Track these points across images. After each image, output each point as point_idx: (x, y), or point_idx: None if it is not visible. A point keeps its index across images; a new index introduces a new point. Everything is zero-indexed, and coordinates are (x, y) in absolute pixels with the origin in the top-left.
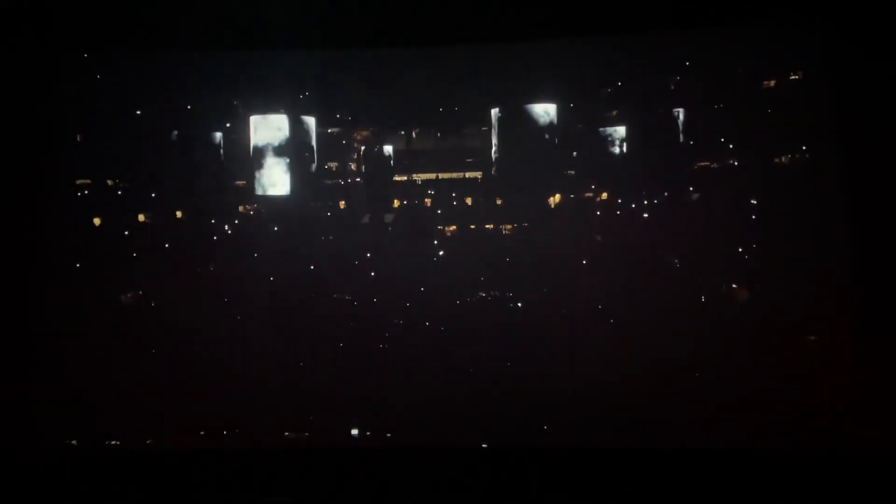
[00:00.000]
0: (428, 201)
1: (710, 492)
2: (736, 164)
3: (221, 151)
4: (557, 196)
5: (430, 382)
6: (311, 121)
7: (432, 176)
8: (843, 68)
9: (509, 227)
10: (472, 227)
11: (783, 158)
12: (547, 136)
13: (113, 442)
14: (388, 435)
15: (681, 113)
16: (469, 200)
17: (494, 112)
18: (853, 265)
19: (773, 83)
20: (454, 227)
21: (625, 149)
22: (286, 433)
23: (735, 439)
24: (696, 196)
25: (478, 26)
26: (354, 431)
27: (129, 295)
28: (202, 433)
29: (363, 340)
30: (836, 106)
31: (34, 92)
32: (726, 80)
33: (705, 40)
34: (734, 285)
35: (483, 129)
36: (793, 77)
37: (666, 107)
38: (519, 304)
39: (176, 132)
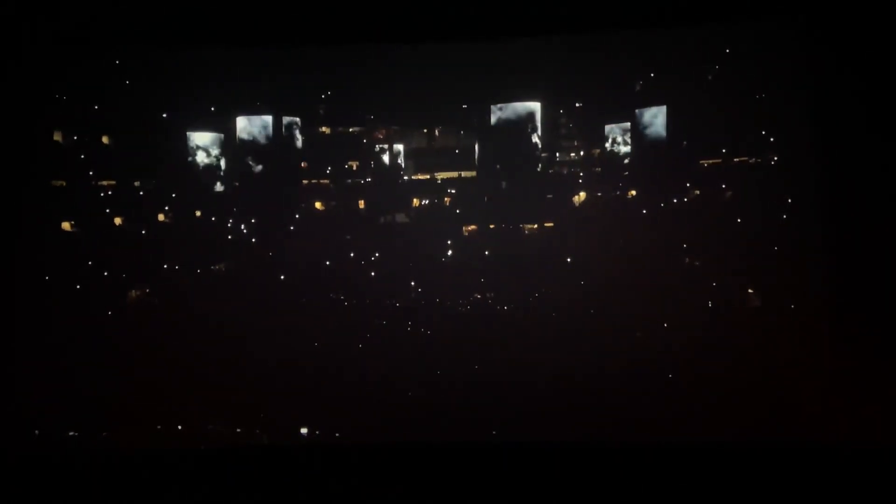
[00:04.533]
0: (447, 200)
1: (707, 485)
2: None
3: (232, 152)
4: (583, 194)
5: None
6: (326, 120)
7: (454, 174)
8: (821, 68)
9: (533, 226)
10: (492, 226)
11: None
12: (562, 134)
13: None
14: (345, 436)
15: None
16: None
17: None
18: (833, 264)
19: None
20: (474, 226)
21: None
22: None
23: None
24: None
25: (493, 21)
26: (312, 431)
27: (135, 293)
28: (209, 429)
29: (348, 340)
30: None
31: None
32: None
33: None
34: (744, 287)
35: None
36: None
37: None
38: (506, 308)
39: (191, 132)
